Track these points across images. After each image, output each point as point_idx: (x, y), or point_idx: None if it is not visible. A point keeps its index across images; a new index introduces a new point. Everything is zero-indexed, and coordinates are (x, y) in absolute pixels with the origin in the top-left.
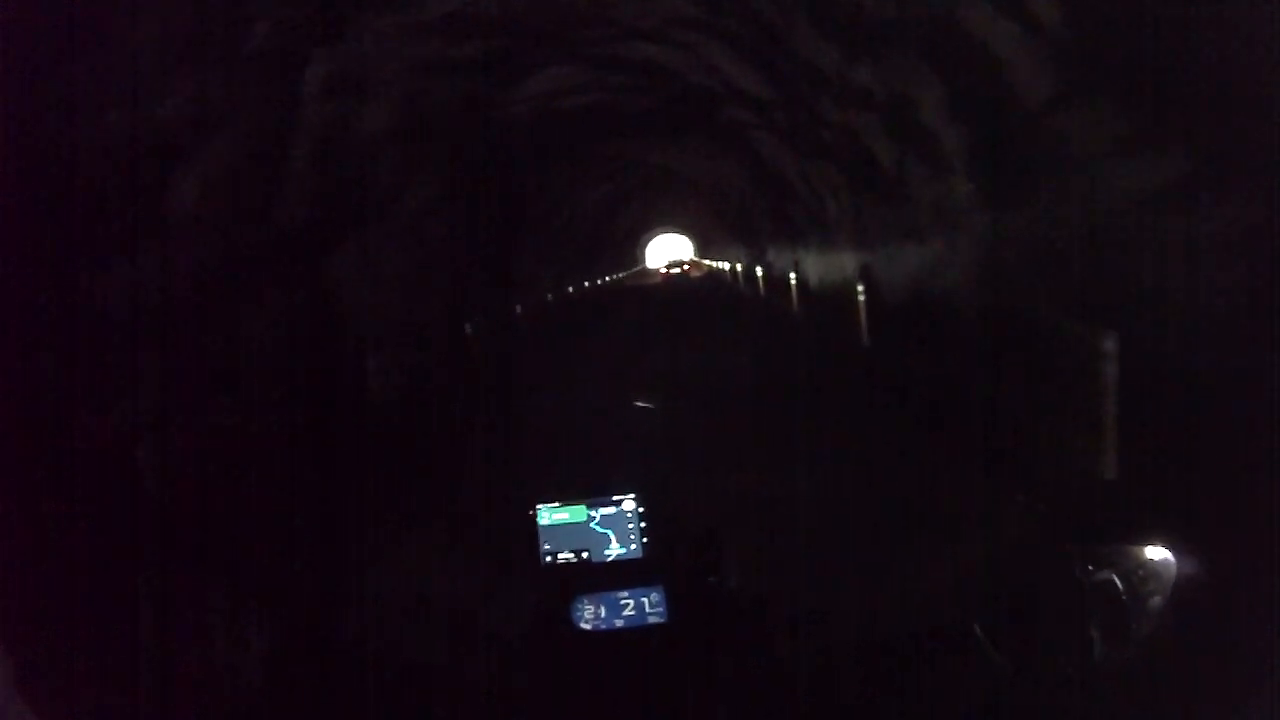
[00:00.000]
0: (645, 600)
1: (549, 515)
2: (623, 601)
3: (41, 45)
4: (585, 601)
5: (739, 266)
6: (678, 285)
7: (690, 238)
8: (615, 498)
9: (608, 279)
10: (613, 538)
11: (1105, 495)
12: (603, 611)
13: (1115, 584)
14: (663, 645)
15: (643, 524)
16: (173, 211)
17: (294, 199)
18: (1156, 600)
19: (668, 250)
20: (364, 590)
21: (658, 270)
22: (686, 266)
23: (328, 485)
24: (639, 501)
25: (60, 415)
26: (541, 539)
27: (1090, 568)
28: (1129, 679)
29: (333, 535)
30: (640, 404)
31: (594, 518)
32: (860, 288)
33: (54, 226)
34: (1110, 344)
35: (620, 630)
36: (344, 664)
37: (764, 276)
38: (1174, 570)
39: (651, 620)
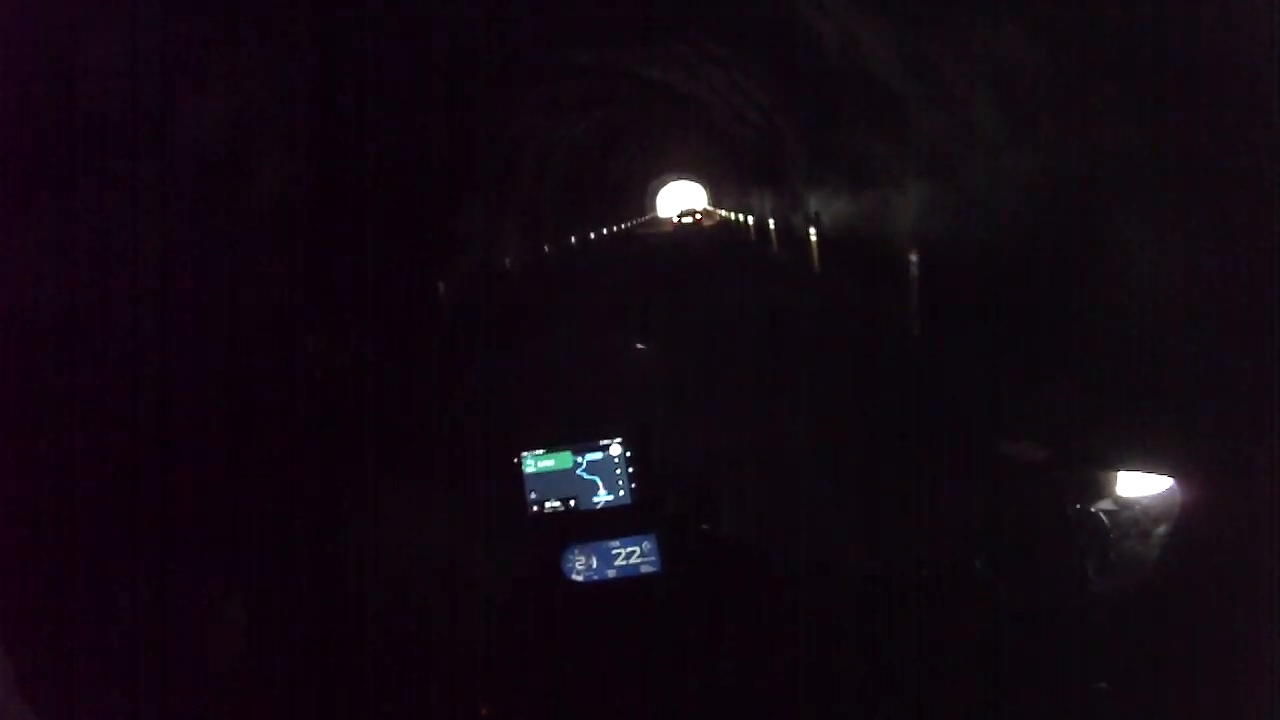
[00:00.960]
0: (637, 549)
1: (534, 463)
2: (614, 551)
3: None
4: (576, 552)
5: (771, 222)
6: (681, 242)
7: (704, 185)
8: (602, 442)
9: (603, 232)
10: (600, 484)
11: (1102, 424)
12: (594, 562)
13: (1099, 516)
14: (657, 595)
15: (630, 469)
16: None
17: None
18: (1160, 530)
19: (681, 199)
20: (353, 554)
21: (669, 220)
22: (699, 216)
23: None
24: (626, 446)
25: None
26: (527, 487)
27: (1078, 501)
28: (1126, 611)
29: (325, 520)
30: (636, 344)
31: (580, 464)
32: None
33: None
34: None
35: (613, 581)
36: (339, 638)
37: (817, 233)
38: (1176, 500)
39: (645, 570)
